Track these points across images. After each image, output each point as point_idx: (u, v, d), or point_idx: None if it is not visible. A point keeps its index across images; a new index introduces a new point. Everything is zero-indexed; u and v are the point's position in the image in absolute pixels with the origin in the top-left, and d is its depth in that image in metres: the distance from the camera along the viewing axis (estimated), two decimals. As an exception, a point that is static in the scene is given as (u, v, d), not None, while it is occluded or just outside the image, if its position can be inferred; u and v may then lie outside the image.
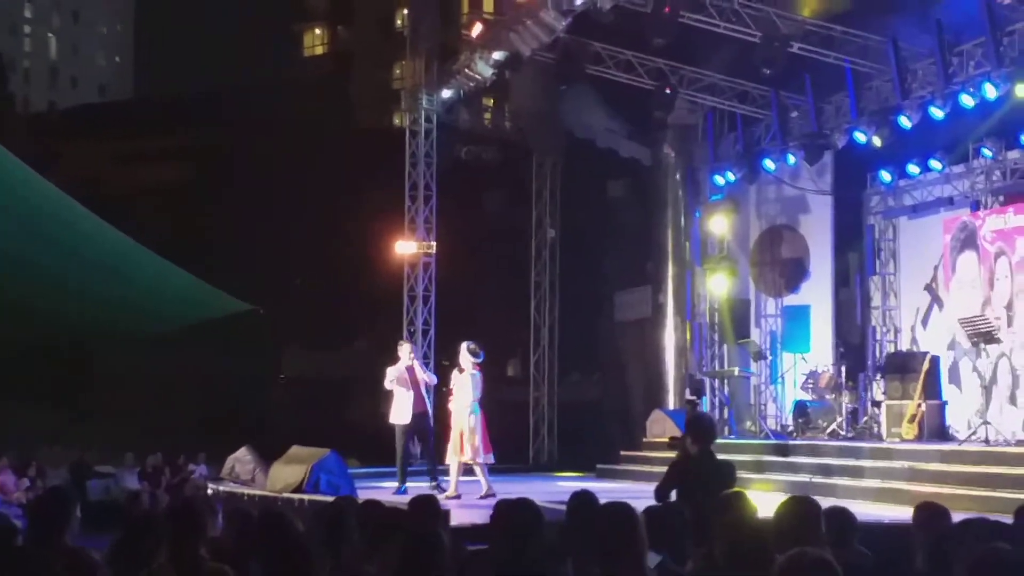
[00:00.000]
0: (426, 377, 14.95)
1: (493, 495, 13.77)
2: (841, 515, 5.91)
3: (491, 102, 25.66)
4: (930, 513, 6.14)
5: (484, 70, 19.37)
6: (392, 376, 14.91)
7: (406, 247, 21.09)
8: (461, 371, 14.40)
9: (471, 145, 24.08)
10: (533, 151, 23.71)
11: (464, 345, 14.48)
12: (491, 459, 14.47)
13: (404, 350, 15.49)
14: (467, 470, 14.53)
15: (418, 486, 14.06)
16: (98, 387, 24.76)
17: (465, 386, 14.27)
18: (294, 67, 39.80)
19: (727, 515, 5.62)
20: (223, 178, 29.56)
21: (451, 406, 14.49)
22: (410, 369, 14.93)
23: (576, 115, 21.74)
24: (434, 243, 21.10)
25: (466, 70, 19.79)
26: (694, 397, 18.83)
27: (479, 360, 14.31)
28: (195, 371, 25.22)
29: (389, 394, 15.17)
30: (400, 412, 14.93)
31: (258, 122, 31.00)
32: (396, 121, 23.87)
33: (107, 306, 16.91)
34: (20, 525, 5.96)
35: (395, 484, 14.95)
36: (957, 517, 6.16)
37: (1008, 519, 6.24)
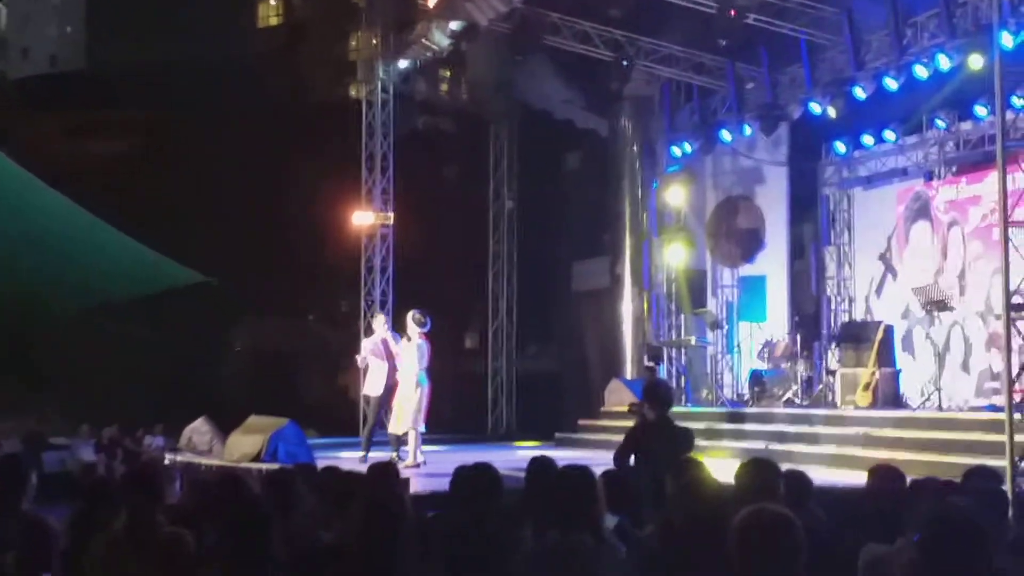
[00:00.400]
0: (398, 349, 14.79)
1: (420, 464, 13.77)
2: (798, 478, 5.98)
3: (448, 73, 25.52)
4: (885, 476, 6.22)
5: (441, 40, 19.27)
6: (367, 348, 14.84)
7: (363, 218, 20.99)
8: (408, 340, 14.34)
9: (428, 116, 23.99)
10: (490, 122, 23.65)
11: (410, 314, 14.41)
12: (423, 428, 14.38)
13: (378, 322, 15.41)
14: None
15: (381, 456, 14.02)
16: (50, 359, 24.52)
17: (411, 355, 14.21)
18: (248, 38, 39.38)
19: (684, 479, 5.67)
20: (176, 149, 29.24)
21: (398, 375, 14.44)
22: (384, 341, 14.85)
23: (533, 86, 21.71)
24: (391, 214, 21.02)
25: (423, 40, 19.67)
26: (652, 364, 18.92)
27: (425, 329, 14.23)
28: (149, 342, 25.02)
29: (352, 365, 15.11)
30: (374, 383, 14.87)
31: (212, 94, 30.65)
32: (352, 92, 23.68)
33: (58, 276, 16.72)
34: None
35: (354, 454, 14.93)
36: (911, 481, 6.25)
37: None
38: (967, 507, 3.89)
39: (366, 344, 14.96)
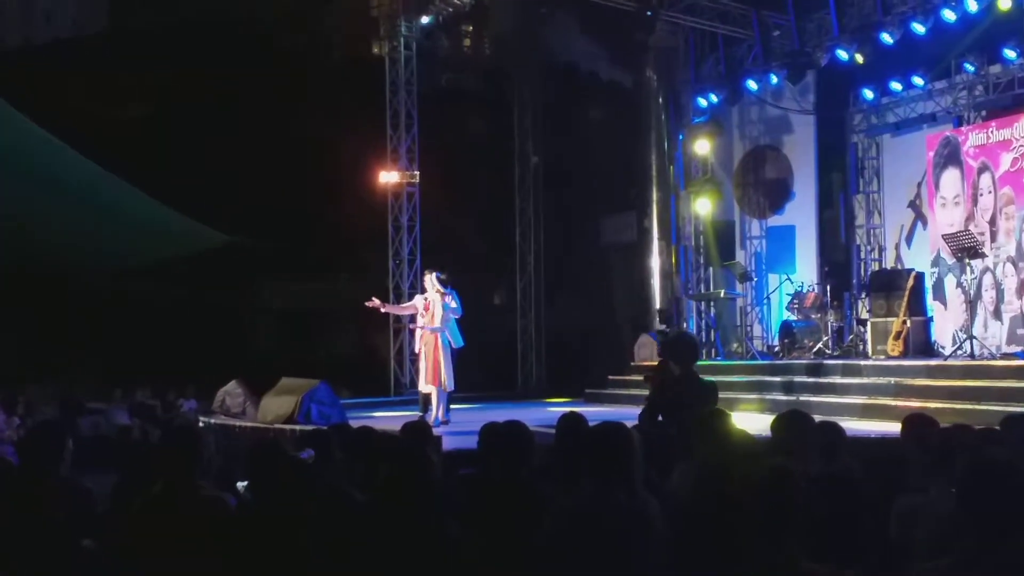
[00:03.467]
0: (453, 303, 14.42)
1: (446, 422, 13.71)
2: (831, 429, 5.98)
3: (470, 27, 25.37)
4: (918, 425, 6.20)
5: (463, -6, 19.17)
6: (419, 305, 14.56)
7: (389, 177, 20.97)
8: (428, 299, 14.11)
9: (451, 72, 23.88)
10: (514, 76, 23.51)
11: (432, 274, 14.25)
12: (451, 387, 14.27)
13: (429, 279, 15.12)
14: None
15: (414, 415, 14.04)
16: (83, 324, 24.71)
17: (433, 314, 14.03)
18: (270, -3, 39.33)
19: (709, 431, 5.68)
20: (200, 110, 29.24)
21: (429, 333, 14.32)
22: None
23: (557, 39, 21.58)
24: (417, 172, 20.99)
25: (444, -5, 19.57)
26: (664, 327, 18.64)
27: (447, 288, 14.03)
28: (179, 305, 25.17)
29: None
30: None
31: (234, 53, 30.64)
32: (375, 50, 23.55)
33: (88, 241, 16.85)
34: (14, 463, 5.96)
35: (385, 414, 14.93)
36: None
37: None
38: (1007, 455, 3.82)
39: (418, 300, 14.64)
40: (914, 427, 6.19)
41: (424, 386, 14.20)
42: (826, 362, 16.29)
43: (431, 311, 14.04)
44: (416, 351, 14.57)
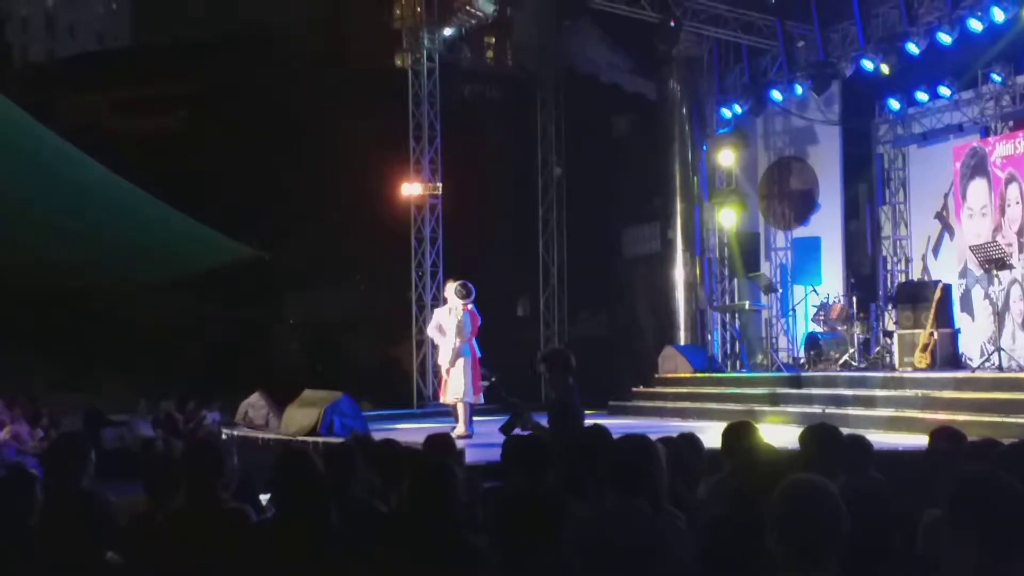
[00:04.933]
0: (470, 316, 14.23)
1: (468, 436, 13.46)
2: (858, 442, 5.92)
3: (493, 39, 25.38)
4: (946, 438, 6.13)
5: (486, 6, 19.17)
6: (441, 317, 14.35)
7: (412, 189, 20.99)
8: (449, 310, 13.95)
9: (474, 84, 23.85)
10: (537, 88, 23.50)
11: (452, 286, 14.07)
12: (480, 399, 14.10)
13: (450, 290, 14.94)
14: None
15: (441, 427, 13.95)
16: (107, 335, 24.81)
17: (452, 325, 13.85)
18: (292, 8, 39.49)
19: (740, 442, 5.64)
20: (223, 123, 29.38)
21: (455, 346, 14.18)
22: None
23: (580, 50, 21.54)
24: (440, 184, 20.99)
25: (467, 7, 19.57)
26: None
27: (469, 300, 13.83)
28: (203, 317, 25.27)
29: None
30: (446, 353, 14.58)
31: (257, 65, 30.79)
32: (398, 62, 23.59)
33: (112, 254, 16.90)
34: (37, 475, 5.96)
35: (407, 426, 14.90)
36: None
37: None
38: (998, 475, 3.54)
39: (439, 312, 14.46)
40: (941, 440, 6.13)
41: (446, 398, 14.12)
42: (852, 374, 16.17)
43: (452, 322, 13.88)
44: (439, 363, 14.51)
